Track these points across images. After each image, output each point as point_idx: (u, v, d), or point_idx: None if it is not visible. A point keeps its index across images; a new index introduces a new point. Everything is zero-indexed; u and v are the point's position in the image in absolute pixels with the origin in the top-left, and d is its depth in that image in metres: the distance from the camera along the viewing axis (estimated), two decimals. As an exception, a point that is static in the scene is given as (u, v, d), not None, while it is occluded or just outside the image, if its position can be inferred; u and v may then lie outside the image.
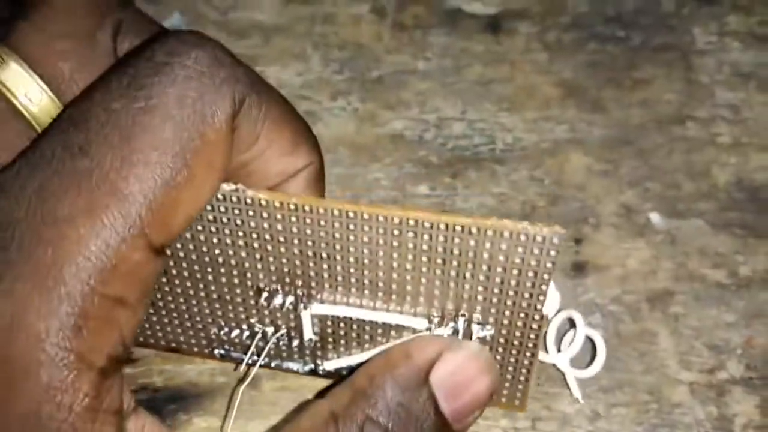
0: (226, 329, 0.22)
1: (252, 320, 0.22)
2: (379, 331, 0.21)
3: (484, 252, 0.18)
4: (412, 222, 0.18)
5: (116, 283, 0.16)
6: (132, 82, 0.17)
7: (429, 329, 0.21)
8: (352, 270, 0.20)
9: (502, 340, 0.21)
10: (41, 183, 0.16)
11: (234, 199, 0.19)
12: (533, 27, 0.31)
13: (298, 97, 0.30)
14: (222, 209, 0.19)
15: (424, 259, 0.19)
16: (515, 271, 0.19)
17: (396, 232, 0.18)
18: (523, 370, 0.22)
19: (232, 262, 0.20)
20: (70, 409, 0.15)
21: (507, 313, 0.20)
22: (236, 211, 0.19)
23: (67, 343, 0.15)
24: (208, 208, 0.19)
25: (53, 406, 0.15)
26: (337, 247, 0.19)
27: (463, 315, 0.20)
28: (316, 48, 0.31)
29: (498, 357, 0.21)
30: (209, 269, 0.21)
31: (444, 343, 0.20)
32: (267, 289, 0.21)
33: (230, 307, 0.22)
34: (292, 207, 0.19)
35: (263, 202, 0.19)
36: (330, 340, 0.22)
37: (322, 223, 0.19)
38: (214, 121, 0.17)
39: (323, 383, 0.24)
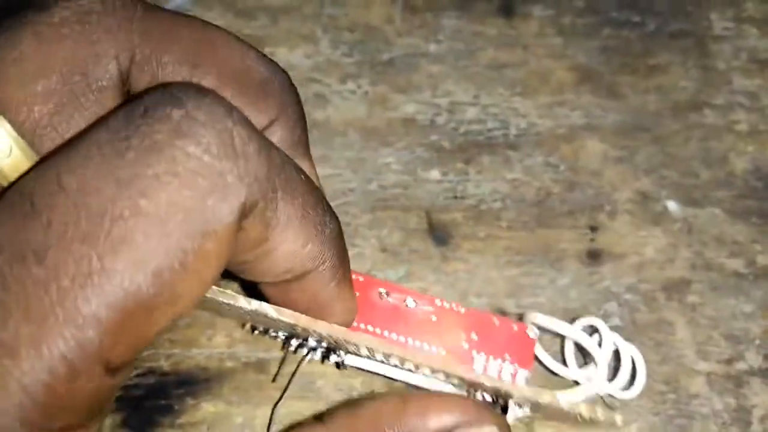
0: None
1: None
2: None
3: None
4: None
5: (63, 415, 0.13)
6: (117, 167, 0.13)
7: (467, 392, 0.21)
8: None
9: None
10: None
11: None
12: (547, 11, 0.31)
13: (307, 79, 0.29)
14: None
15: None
16: None
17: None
18: None
19: None
20: None
21: None
22: None
23: None
24: None
25: None
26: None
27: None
28: (325, 30, 0.30)
29: None
30: None
31: (464, 418, 0.18)
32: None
33: None
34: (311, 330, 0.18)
35: (272, 315, 0.18)
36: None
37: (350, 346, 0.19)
38: (212, 231, 0.14)
39: (331, 370, 0.23)
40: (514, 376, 0.22)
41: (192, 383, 0.23)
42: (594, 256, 0.26)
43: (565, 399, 0.18)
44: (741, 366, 0.24)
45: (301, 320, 0.18)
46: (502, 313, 0.25)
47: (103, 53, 0.16)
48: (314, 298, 0.18)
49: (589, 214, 0.26)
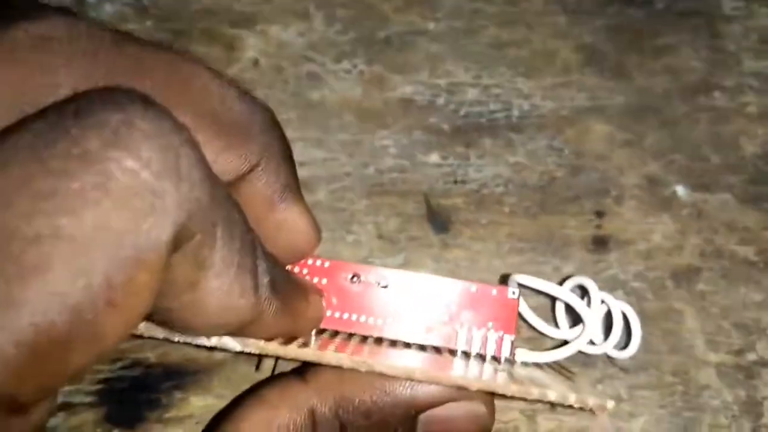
0: None
1: None
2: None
3: None
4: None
5: None
6: (36, 176, 0.11)
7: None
8: None
9: None
10: None
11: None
12: (551, -12, 0.30)
13: (301, 58, 0.28)
14: None
15: None
16: None
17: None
18: None
19: None
20: None
21: None
22: None
23: None
24: None
25: None
26: None
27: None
28: (319, 6, 0.29)
29: None
30: None
31: (451, 395, 0.18)
32: None
33: None
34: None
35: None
36: None
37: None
38: (145, 260, 0.12)
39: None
40: (499, 344, 0.21)
41: (180, 376, 0.22)
42: (600, 243, 0.25)
43: (555, 391, 0.17)
44: (752, 357, 0.23)
45: (268, 348, 0.17)
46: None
47: (60, 84, 0.14)
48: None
49: (595, 200, 0.25)
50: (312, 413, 0.18)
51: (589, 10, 0.29)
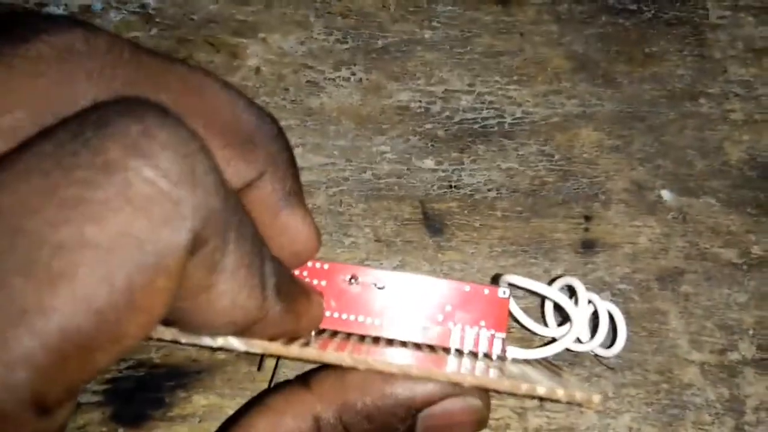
0: None
1: None
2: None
3: None
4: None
5: None
6: (61, 186, 0.12)
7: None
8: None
9: None
10: None
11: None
12: (543, -2, 0.30)
13: (300, 66, 0.29)
14: None
15: None
16: None
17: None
18: None
19: None
20: None
21: None
22: None
23: None
24: None
25: None
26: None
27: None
28: (318, 15, 0.30)
29: None
30: None
31: (449, 388, 0.19)
32: None
33: None
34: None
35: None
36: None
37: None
38: (164, 266, 0.13)
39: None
40: (491, 341, 0.22)
41: (183, 375, 0.23)
42: (588, 246, 0.26)
43: (544, 386, 0.18)
44: (734, 356, 0.24)
45: (271, 348, 0.18)
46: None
47: (81, 96, 0.15)
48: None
49: (584, 204, 0.26)
50: (317, 420, 0.19)
51: (581, 19, 0.30)
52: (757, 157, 0.27)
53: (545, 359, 0.23)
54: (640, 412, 0.23)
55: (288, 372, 0.23)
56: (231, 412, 0.22)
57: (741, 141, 0.28)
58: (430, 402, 0.19)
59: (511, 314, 0.23)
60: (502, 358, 0.22)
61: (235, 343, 0.18)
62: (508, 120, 0.28)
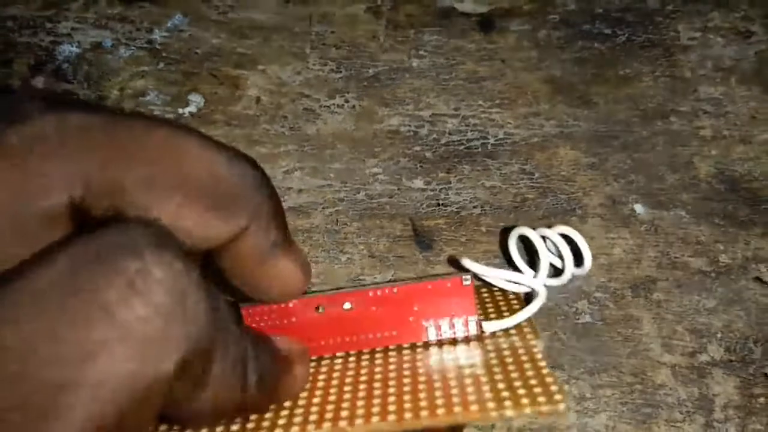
0: None
1: None
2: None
3: None
4: None
5: None
6: (61, 323, 0.13)
7: None
8: None
9: None
10: None
11: None
12: (524, 25, 0.32)
13: (297, 94, 0.31)
14: None
15: None
16: None
17: None
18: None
19: None
20: None
21: None
22: None
23: None
24: None
25: None
26: None
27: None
28: (313, 47, 0.32)
29: None
30: None
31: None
32: None
33: None
34: None
35: None
36: None
37: None
38: (153, 393, 0.14)
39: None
40: (466, 325, 0.23)
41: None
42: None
43: (512, 409, 0.20)
44: (704, 358, 0.26)
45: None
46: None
47: (54, 185, 0.15)
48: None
49: (562, 218, 0.28)
50: None
51: (558, 44, 0.32)
52: (725, 171, 0.29)
53: (521, 324, 0.24)
54: (616, 411, 0.25)
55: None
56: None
57: (710, 156, 0.29)
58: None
59: (488, 284, 0.26)
60: (480, 337, 0.23)
61: None
62: (491, 141, 0.30)
